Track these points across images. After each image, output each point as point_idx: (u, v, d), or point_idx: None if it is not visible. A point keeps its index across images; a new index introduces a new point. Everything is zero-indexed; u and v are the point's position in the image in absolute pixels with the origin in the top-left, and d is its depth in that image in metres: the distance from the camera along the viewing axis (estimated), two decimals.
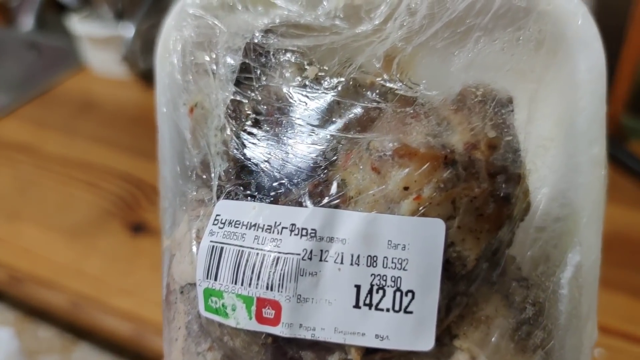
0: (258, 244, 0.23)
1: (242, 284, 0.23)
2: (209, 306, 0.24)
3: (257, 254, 0.23)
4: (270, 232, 0.23)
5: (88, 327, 0.64)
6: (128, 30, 0.95)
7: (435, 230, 0.23)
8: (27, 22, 1.22)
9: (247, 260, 0.23)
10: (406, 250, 0.22)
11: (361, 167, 0.23)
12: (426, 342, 0.23)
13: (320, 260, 0.23)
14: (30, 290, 0.65)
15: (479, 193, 0.23)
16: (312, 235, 0.23)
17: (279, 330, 0.23)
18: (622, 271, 0.62)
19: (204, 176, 0.27)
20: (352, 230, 0.23)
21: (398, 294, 0.22)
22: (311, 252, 0.23)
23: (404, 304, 0.22)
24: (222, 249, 0.24)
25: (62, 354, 0.69)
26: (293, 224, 0.23)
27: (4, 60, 1.27)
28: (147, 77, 1.01)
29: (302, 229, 0.23)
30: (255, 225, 0.24)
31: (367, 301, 0.22)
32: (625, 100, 0.73)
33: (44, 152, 0.87)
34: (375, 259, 0.22)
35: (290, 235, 0.23)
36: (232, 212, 0.25)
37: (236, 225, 0.24)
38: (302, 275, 0.23)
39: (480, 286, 0.24)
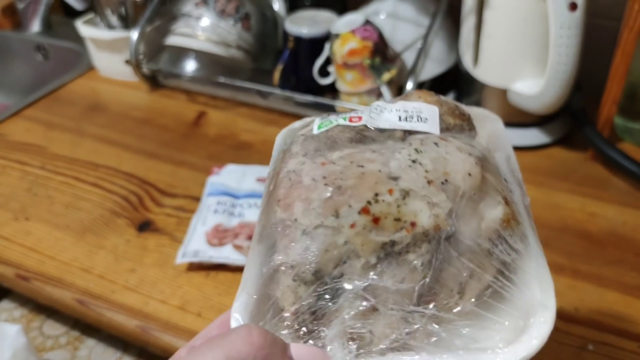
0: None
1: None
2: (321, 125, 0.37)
3: None
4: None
5: (94, 324, 0.65)
6: (132, 34, 0.96)
7: None
8: (34, 24, 1.23)
9: None
10: None
11: None
12: None
13: None
14: (37, 287, 0.66)
15: None
16: None
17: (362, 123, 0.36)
18: (615, 269, 0.63)
19: None
20: None
21: None
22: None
23: None
24: None
25: (69, 350, 0.70)
26: None
27: (11, 63, 1.28)
28: (152, 79, 1.02)
29: None
30: None
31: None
32: (618, 102, 0.73)
33: (51, 152, 0.88)
34: None
35: None
36: None
37: None
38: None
39: None
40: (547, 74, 0.70)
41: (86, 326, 0.72)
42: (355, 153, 0.32)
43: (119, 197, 0.78)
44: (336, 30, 0.82)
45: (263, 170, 0.77)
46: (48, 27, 1.24)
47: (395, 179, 0.31)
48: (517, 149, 0.81)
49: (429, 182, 0.31)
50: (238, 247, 0.66)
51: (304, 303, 0.30)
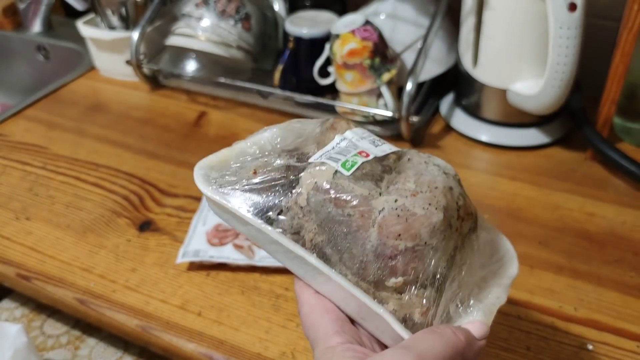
0: None
1: None
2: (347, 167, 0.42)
3: None
4: None
5: (95, 323, 0.65)
6: (133, 34, 0.96)
7: None
8: (35, 25, 1.23)
9: None
10: None
11: None
12: None
13: None
14: (38, 287, 0.67)
15: None
16: None
17: (371, 157, 0.43)
18: (614, 269, 0.63)
19: None
20: None
21: None
22: None
23: None
24: None
25: (70, 350, 0.70)
26: None
27: (12, 63, 1.28)
28: (153, 79, 1.02)
29: None
30: None
31: None
32: (617, 102, 0.73)
33: (52, 152, 0.88)
34: None
35: None
36: None
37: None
38: None
39: None
40: (546, 74, 0.70)
41: (87, 325, 0.73)
42: (418, 179, 0.41)
43: (120, 197, 0.78)
44: (336, 30, 0.82)
45: None
46: (49, 27, 1.24)
47: (450, 188, 0.41)
48: (516, 149, 0.81)
49: (459, 182, 0.42)
50: (238, 247, 0.66)
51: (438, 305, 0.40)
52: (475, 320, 0.40)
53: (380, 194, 0.40)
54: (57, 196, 0.79)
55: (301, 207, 0.41)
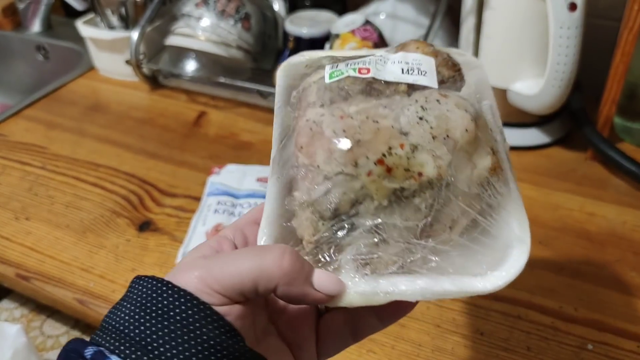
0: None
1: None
2: (332, 75, 0.40)
3: None
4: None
5: (95, 323, 0.65)
6: (133, 34, 0.96)
7: None
8: (34, 25, 1.23)
9: None
10: None
11: None
12: None
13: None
14: (38, 287, 0.66)
15: None
16: None
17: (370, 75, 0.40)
18: (615, 268, 0.63)
19: None
20: None
21: None
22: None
23: None
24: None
25: None
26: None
27: (12, 63, 1.28)
28: (153, 79, 1.02)
29: None
30: None
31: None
32: (618, 102, 0.73)
33: (52, 152, 0.88)
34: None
35: None
36: None
37: None
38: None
39: None
40: (546, 74, 0.70)
41: (86, 326, 0.73)
42: (370, 108, 0.37)
43: (120, 197, 0.78)
44: (336, 30, 0.82)
45: (263, 170, 0.77)
46: (48, 27, 1.24)
47: (405, 134, 0.36)
48: (516, 149, 0.81)
49: (434, 137, 0.36)
50: None
51: (323, 235, 0.35)
52: (333, 274, 0.34)
53: (322, 106, 0.38)
54: (57, 196, 0.79)
55: (293, 102, 0.43)
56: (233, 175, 0.77)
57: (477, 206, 0.37)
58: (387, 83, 0.40)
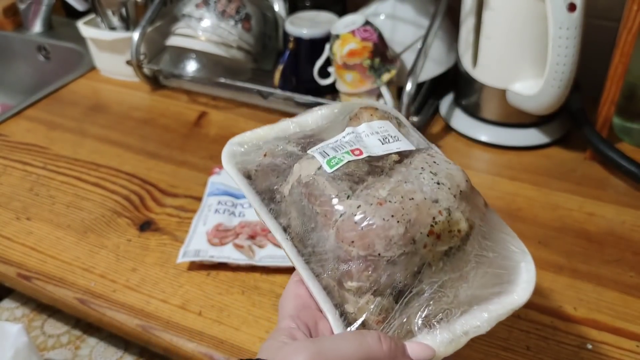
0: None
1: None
2: (331, 164, 0.42)
3: None
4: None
5: (96, 323, 0.65)
6: (134, 34, 0.96)
7: None
8: (35, 25, 1.23)
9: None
10: None
11: None
12: None
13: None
14: (39, 286, 0.67)
15: None
16: None
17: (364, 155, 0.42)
18: (614, 268, 0.63)
19: None
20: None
21: None
22: None
23: None
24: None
25: (70, 349, 0.70)
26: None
27: (13, 63, 1.28)
28: (153, 80, 1.02)
29: None
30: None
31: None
32: (617, 102, 0.74)
33: (53, 152, 0.88)
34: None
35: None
36: None
37: None
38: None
39: None
40: (546, 74, 0.71)
41: (87, 325, 0.73)
42: (396, 188, 0.40)
43: (121, 197, 0.78)
44: (336, 31, 0.82)
45: None
46: (49, 27, 1.24)
47: (436, 201, 0.40)
48: (516, 149, 0.81)
49: (454, 196, 0.40)
50: (239, 247, 0.66)
51: (393, 312, 0.39)
52: (422, 342, 0.38)
53: (348, 197, 0.40)
54: (58, 196, 0.79)
55: (284, 196, 0.43)
56: None
57: (488, 236, 0.43)
58: (380, 157, 0.43)
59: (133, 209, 0.76)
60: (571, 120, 0.82)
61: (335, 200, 0.40)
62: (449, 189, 0.41)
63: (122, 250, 0.70)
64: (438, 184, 0.41)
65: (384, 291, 0.39)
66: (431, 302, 0.39)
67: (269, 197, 0.44)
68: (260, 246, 0.67)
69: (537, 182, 0.76)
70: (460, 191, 0.41)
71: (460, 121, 0.86)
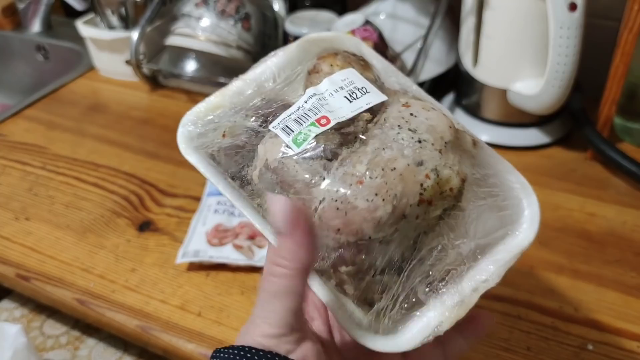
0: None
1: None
2: (298, 141, 0.37)
3: None
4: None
5: (95, 324, 0.65)
6: (133, 34, 0.96)
7: None
8: (34, 25, 1.23)
9: None
10: None
11: None
12: None
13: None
14: (38, 287, 0.66)
15: None
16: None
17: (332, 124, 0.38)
18: (615, 269, 0.63)
19: None
20: None
21: None
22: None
23: None
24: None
25: (69, 350, 0.70)
26: None
27: (12, 63, 1.28)
28: (153, 79, 1.02)
29: None
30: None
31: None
32: (618, 102, 0.73)
33: (52, 152, 0.88)
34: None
35: None
36: None
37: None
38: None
39: None
40: (546, 74, 0.70)
41: (86, 326, 0.73)
42: (374, 159, 0.36)
43: (120, 197, 0.78)
44: (336, 30, 0.82)
45: None
46: (48, 27, 1.24)
47: (420, 164, 0.35)
48: (516, 149, 0.81)
49: (439, 151, 0.36)
50: (238, 247, 0.66)
51: (396, 289, 0.37)
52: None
53: (324, 179, 0.36)
54: (57, 196, 0.79)
55: (255, 183, 0.40)
56: None
57: (483, 182, 0.40)
58: (350, 121, 0.38)
59: (132, 209, 0.76)
60: (572, 120, 0.82)
61: (310, 185, 0.36)
62: (433, 144, 0.36)
63: (121, 250, 0.69)
64: (419, 142, 0.36)
65: (382, 269, 0.36)
66: (434, 268, 0.37)
67: (239, 184, 0.41)
68: (260, 246, 0.66)
69: (538, 182, 0.76)
70: (445, 143, 0.37)
71: (461, 121, 0.85)
